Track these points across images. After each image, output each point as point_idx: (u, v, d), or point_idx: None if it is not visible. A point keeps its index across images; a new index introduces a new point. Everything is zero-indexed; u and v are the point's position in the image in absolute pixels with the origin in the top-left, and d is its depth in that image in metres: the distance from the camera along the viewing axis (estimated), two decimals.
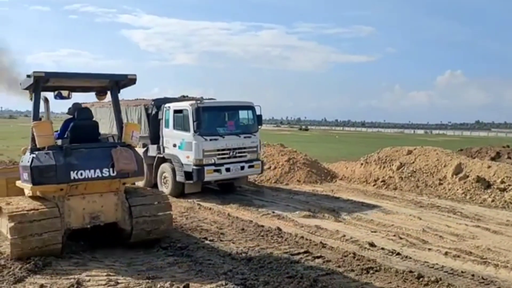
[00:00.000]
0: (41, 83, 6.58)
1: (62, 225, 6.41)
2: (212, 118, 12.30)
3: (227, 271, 6.19)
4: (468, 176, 13.64)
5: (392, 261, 6.96)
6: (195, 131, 11.67)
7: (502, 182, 12.87)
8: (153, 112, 12.90)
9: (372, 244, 7.75)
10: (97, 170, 6.54)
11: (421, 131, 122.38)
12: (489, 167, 13.80)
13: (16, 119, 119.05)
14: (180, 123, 12.08)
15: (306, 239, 7.99)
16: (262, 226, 8.96)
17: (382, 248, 7.57)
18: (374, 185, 14.88)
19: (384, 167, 15.72)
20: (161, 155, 12.66)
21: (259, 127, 13.06)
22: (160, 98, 13.22)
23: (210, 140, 11.88)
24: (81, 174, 6.43)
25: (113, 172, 6.66)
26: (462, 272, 6.46)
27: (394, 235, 8.55)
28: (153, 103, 13.02)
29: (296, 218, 9.88)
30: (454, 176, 13.92)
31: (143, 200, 7.18)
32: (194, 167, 11.63)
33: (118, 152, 6.71)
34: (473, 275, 6.30)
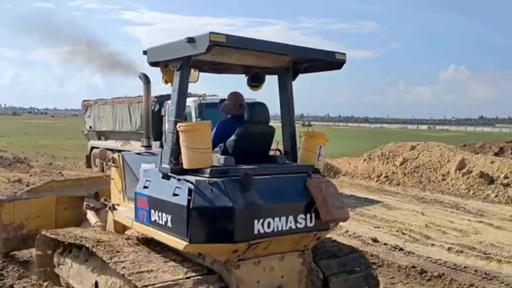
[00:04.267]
0: (199, 55, 3.54)
1: None
2: (214, 114, 12.29)
3: None
4: (471, 172, 13.64)
5: (395, 256, 6.96)
6: None
7: (506, 177, 12.88)
8: (156, 109, 12.91)
9: (375, 240, 7.75)
10: (290, 218, 3.64)
11: (424, 127, 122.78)
12: (492, 162, 13.79)
13: (20, 116, 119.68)
14: None
15: None
16: None
17: (385, 244, 7.58)
18: (377, 180, 14.91)
19: (387, 162, 15.74)
20: None
21: None
22: (163, 95, 13.24)
23: None
24: (269, 225, 3.55)
25: (312, 221, 3.75)
26: (465, 267, 6.46)
27: (397, 231, 8.55)
28: (155, 100, 13.04)
29: None
30: (458, 171, 13.92)
31: (342, 265, 4.31)
32: None
33: (322, 187, 3.77)
34: (476, 271, 6.30)
